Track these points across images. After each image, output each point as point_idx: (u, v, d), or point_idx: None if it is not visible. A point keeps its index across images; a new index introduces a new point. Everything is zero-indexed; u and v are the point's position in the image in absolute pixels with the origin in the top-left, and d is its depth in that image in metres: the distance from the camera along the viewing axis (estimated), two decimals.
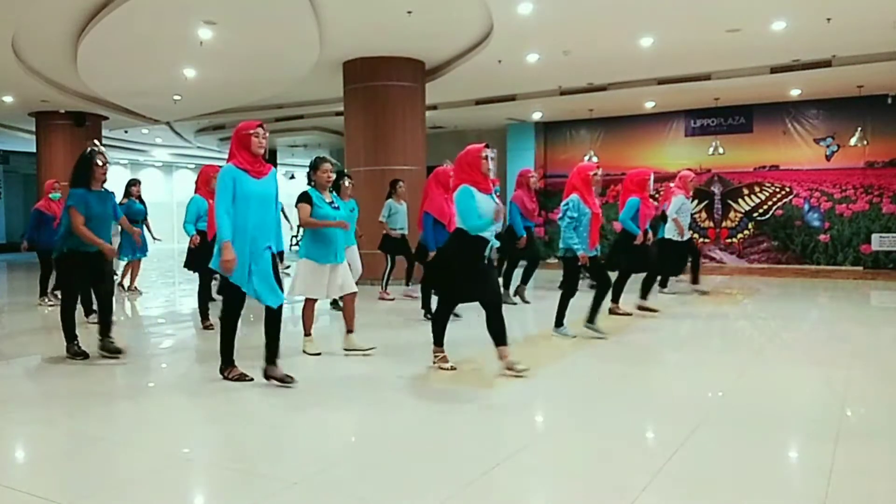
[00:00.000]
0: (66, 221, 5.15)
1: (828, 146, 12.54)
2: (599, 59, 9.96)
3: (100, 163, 5.20)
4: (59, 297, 7.48)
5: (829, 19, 7.86)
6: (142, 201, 9.45)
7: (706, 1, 7.49)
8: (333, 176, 5.36)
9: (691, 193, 8.47)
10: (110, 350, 5.22)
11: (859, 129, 11.47)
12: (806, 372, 5.06)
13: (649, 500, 2.72)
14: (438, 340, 4.82)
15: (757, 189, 13.19)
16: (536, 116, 14.64)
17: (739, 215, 13.35)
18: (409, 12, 7.78)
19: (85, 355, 5.22)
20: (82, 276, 5.21)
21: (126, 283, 9.56)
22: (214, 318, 6.19)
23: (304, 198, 5.21)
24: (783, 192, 12.97)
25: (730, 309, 7.93)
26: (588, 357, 5.38)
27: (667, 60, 9.96)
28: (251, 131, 4.32)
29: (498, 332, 4.64)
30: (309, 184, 5.32)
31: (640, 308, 7.19)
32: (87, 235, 5.04)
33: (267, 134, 4.40)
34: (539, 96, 12.38)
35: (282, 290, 4.49)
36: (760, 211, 13.17)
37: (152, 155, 22.91)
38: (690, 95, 12.08)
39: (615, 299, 7.05)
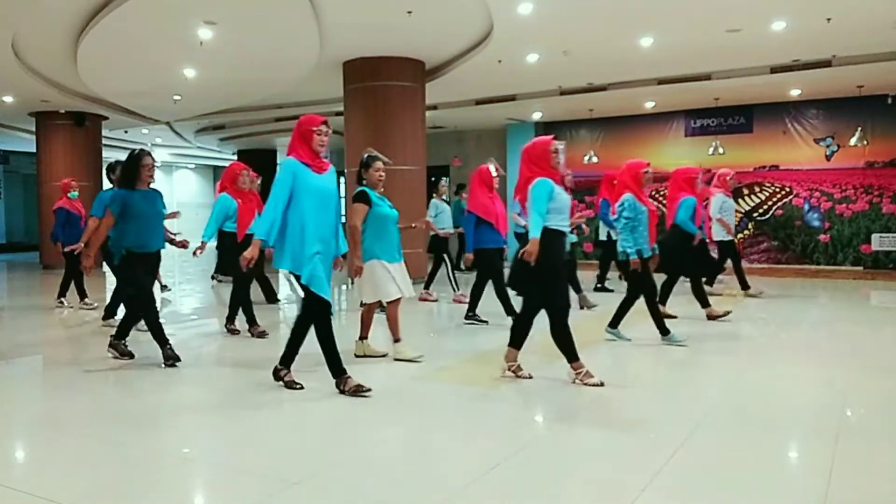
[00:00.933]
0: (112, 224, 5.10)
1: (828, 146, 12.54)
2: (599, 59, 9.96)
3: (148, 163, 5.17)
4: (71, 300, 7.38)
5: (829, 19, 7.86)
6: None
7: (706, 1, 7.48)
8: (384, 175, 5.11)
9: (731, 191, 8.30)
10: (121, 352, 5.23)
11: (859, 129, 11.47)
12: (806, 372, 5.06)
13: (649, 500, 2.72)
14: (571, 356, 4.45)
15: (757, 189, 13.18)
16: (536, 116, 14.64)
17: (739, 215, 13.34)
18: (409, 12, 7.78)
19: (131, 355, 5.23)
20: (142, 272, 5.11)
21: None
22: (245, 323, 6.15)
23: (361, 197, 4.96)
24: (783, 192, 12.97)
25: (730, 309, 7.92)
26: (588, 357, 5.38)
27: (667, 60, 9.96)
28: (314, 128, 4.16)
29: (567, 346, 4.44)
30: (360, 182, 5.07)
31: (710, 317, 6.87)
32: (98, 237, 5.13)
33: (330, 132, 4.24)
34: (539, 96, 12.38)
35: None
36: (760, 211, 13.17)
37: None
38: (690, 95, 12.09)
39: (663, 301, 6.81)
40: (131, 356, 5.22)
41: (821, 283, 10.69)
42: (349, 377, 4.25)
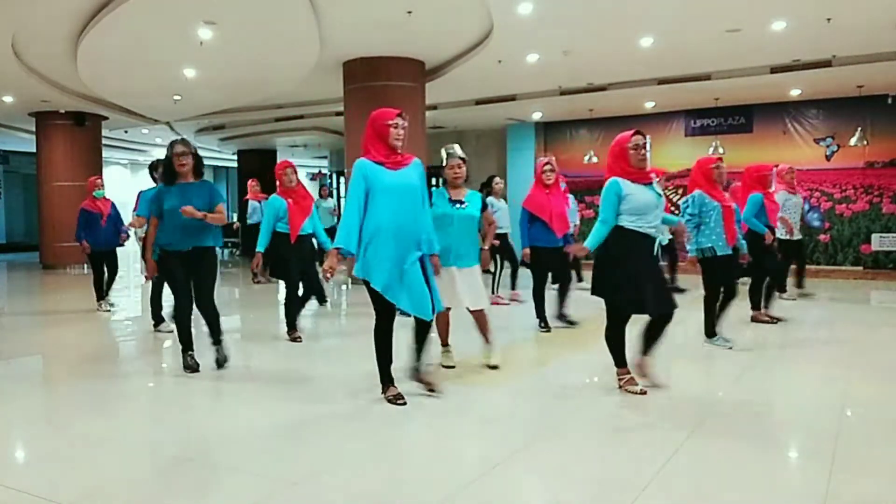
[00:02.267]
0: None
1: (828, 146, 12.53)
2: (599, 59, 9.96)
3: (178, 152, 4.75)
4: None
5: (829, 19, 7.85)
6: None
7: (706, 1, 7.48)
8: (463, 171, 4.74)
9: (795, 188, 7.91)
10: (190, 366, 4.86)
11: (859, 129, 11.46)
12: (806, 372, 5.06)
13: (649, 500, 2.72)
14: (619, 361, 4.33)
15: None
16: (536, 116, 14.64)
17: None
18: (409, 12, 7.77)
19: (196, 368, 4.85)
20: (181, 273, 4.77)
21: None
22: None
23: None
24: (793, 190, 12.95)
25: (729, 309, 7.91)
26: (588, 357, 5.38)
27: (667, 60, 9.96)
28: (389, 122, 3.95)
29: (649, 342, 4.28)
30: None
31: (762, 319, 6.80)
32: (148, 244, 4.87)
33: (406, 124, 4.00)
34: (539, 96, 12.37)
35: (433, 297, 3.98)
36: None
37: (152, 155, 22.90)
38: (690, 95, 12.08)
39: (766, 304, 6.76)
40: (195, 369, 4.86)
41: (821, 283, 10.68)
42: (393, 386, 4.12)
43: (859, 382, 4.61)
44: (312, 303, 6.41)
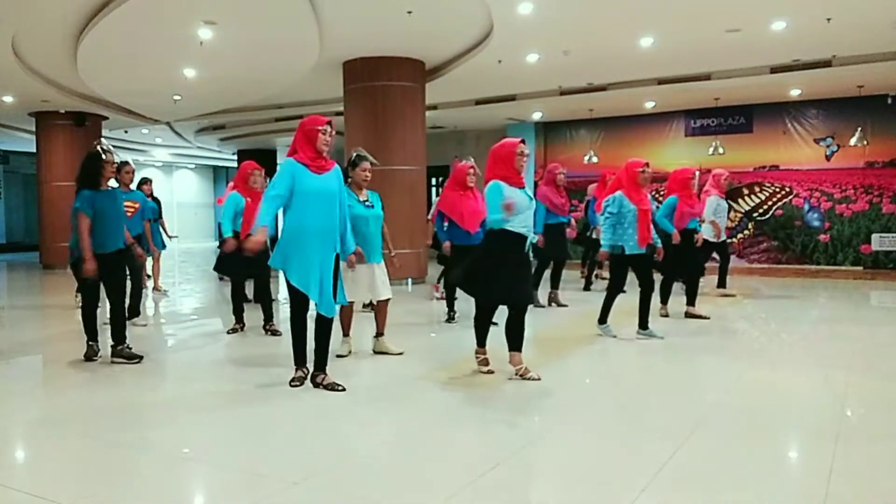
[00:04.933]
0: (75, 224, 5.07)
1: (828, 146, 12.54)
2: (599, 59, 9.96)
3: (107, 161, 5.17)
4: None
5: (829, 19, 7.86)
6: (154, 199, 9.30)
7: (706, 1, 7.48)
8: (370, 175, 5.23)
9: (725, 192, 8.36)
10: (126, 356, 5.18)
11: (859, 129, 11.46)
12: (806, 372, 5.06)
13: (649, 500, 2.72)
14: (480, 342, 4.76)
15: (757, 189, 13.18)
16: (536, 116, 14.64)
17: (739, 215, 13.35)
18: (409, 12, 7.78)
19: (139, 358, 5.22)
20: (100, 279, 5.13)
21: (151, 283, 9.52)
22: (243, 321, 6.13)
23: None
24: (783, 192, 12.98)
25: (730, 309, 7.93)
26: (588, 358, 5.38)
27: (667, 60, 9.96)
28: (319, 127, 4.22)
29: (515, 337, 4.59)
30: (345, 181, 5.08)
31: (690, 315, 7.00)
32: (84, 242, 4.98)
33: (334, 132, 4.30)
34: (539, 96, 12.38)
35: (335, 297, 4.34)
36: (760, 211, 13.17)
37: (152, 155, 22.91)
38: (690, 95, 12.09)
39: (664, 300, 7.02)
40: (139, 358, 5.20)
41: (821, 283, 10.69)
42: (326, 375, 4.39)
43: (859, 382, 4.61)
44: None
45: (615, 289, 5.94)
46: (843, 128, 12.17)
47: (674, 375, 5.06)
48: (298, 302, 4.31)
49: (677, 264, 6.84)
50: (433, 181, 17.28)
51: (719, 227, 8.12)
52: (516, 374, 4.57)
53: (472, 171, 6.44)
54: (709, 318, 6.91)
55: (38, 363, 5.66)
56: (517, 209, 4.36)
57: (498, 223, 4.40)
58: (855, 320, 7.35)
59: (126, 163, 6.84)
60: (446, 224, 6.43)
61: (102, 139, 5.66)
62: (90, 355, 5.24)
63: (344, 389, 4.28)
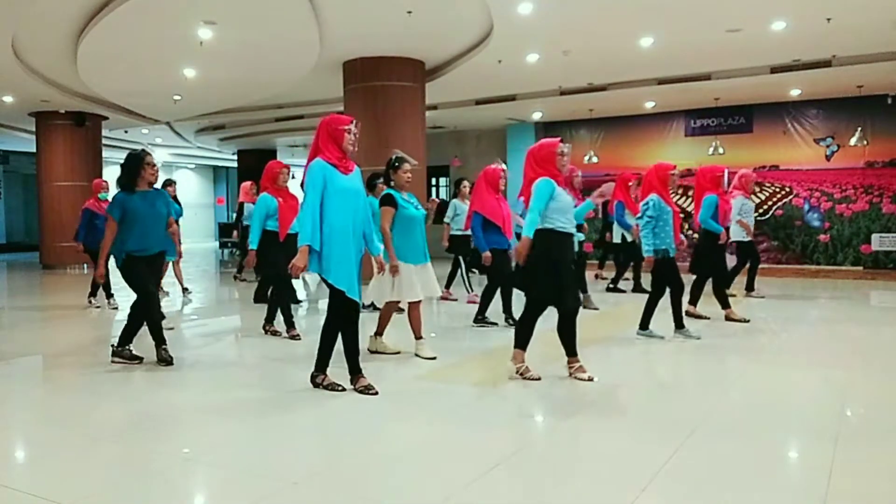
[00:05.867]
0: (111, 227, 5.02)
1: (828, 146, 12.54)
2: (599, 59, 9.96)
3: (150, 162, 5.11)
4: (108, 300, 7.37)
5: (829, 19, 7.86)
6: (177, 201, 9.17)
7: (706, 1, 7.48)
8: (411, 177, 5.19)
9: (751, 193, 8.32)
10: (165, 360, 5.08)
11: (859, 129, 11.46)
12: (806, 372, 5.06)
13: (649, 500, 2.72)
14: (523, 344, 4.59)
15: (757, 189, 13.17)
16: (536, 116, 14.64)
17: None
18: (409, 12, 7.78)
19: (139, 359, 5.14)
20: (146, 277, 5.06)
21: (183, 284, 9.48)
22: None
23: (387, 200, 5.03)
24: (783, 192, 12.98)
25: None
26: (587, 358, 5.38)
27: (667, 60, 9.96)
28: (345, 127, 4.11)
29: (569, 340, 4.55)
30: (387, 184, 5.17)
31: (690, 314, 6.85)
32: (105, 246, 4.99)
33: (358, 133, 4.19)
34: (539, 96, 12.38)
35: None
36: (760, 211, 13.16)
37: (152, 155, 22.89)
38: (690, 95, 12.09)
39: (694, 302, 6.93)
40: (140, 360, 5.14)
41: (821, 283, 10.69)
42: (363, 376, 4.29)
43: (859, 382, 4.61)
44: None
45: (659, 293, 5.85)
46: (843, 128, 12.17)
47: (674, 375, 5.06)
48: (340, 305, 4.15)
49: (706, 264, 6.78)
50: (433, 181, 17.30)
51: (749, 227, 8.09)
52: (570, 376, 4.57)
53: (503, 174, 6.41)
54: (709, 318, 6.90)
55: (38, 363, 5.66)
56: (564, 209, 4.34)
57: (535, 223, 4.29)
58: (855, 320, 7.35)
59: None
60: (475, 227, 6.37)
61: (149, 145, 5.62)
62: (133, 358, 5.12)
63: (377, 393, 4.19)
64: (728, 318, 6.83)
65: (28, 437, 3.75)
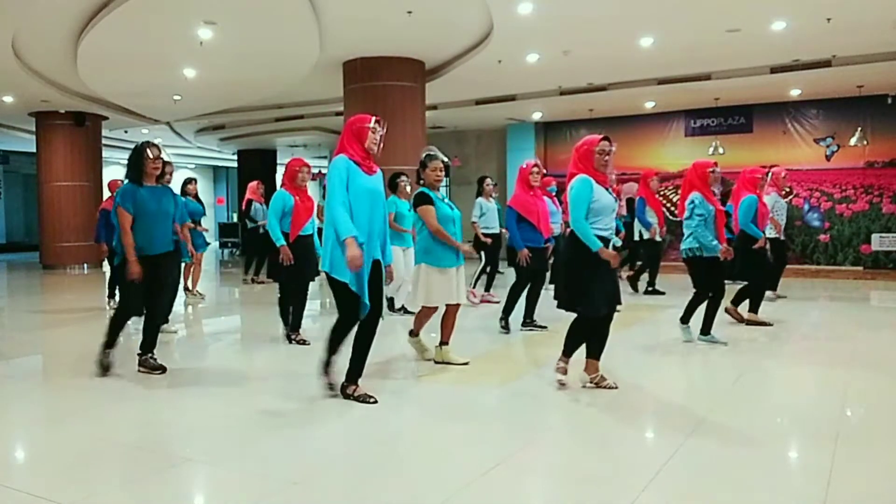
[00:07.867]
0: (116, 223, 4.70)
1: (828, 146, 12.54)
2: (599, 59, 9.96)
3: (150, 155, 4.66)
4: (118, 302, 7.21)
5: (829, 19, 7.85)
6: (199, 200, 9.00)
7: (706, 1, 7.48)
8: (442, 175, 4.98)
9: (784, 190, 8.18)
10: (151, 367, 4.84)
11: (859, 129, 11.46)
12: (806, 372, 5.06)
13: (649, 500, 2.72)
14: (570, 352, 4.38)
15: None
16: (536, 116, 14.64)
17: None
18: (409, 12, 7.77)
19: (163, 369, 4.86)
20: (143, 282, 4.63)
21: (188, 285, 9.08)
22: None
23: (425, 199, 4.82)
24: (783, 192, 12.95)
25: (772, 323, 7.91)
26: (583, 358, 5.37)
27: (667, 60, 9.96)
28: (368, 125, 4.01)
29: (598, 344, 4.34)
30: (418, 183, 4.98)
31: (752, 322, 6.67)
32: (126, 241, 4.56)
33: (384, 132, 4.07)
34: (539, 96, 12.37)
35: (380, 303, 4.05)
36: None
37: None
38: (690, 95, 12.09)
39: (754, 308, 6.67)
40: (163, 370, 4.85)
41: (821, 283, 10.69)
42: (359, 386, 4.11)
43: (859, 383, 4.61)
44: (312, 305, 6.39)
45: (720, 293, 5.69)
46: (843, 128, 12.17)
47: (674, 375, 5.06)
48: (351, 309, 3.97)
49: (754, 266, 6.56)
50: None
51: (780, 225, 8.05)
52: (591, 383, 4.34)
53: (535, 168, 6.16)
54: (772, 325, 6.63)
55: (38, 363, 5.66)
56: (603, 210, 4.10)
57: (580, 223, 4.05)
58: (855, 320, 7.35)
59: (168, 163, 6.38)
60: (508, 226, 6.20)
61: (159, 139, 5.20)
62: (107, 366, 4.78)
63: (376, 401, 4.02)
64: (750, 322, 6.69)
65: (28, 437, 3.75)
